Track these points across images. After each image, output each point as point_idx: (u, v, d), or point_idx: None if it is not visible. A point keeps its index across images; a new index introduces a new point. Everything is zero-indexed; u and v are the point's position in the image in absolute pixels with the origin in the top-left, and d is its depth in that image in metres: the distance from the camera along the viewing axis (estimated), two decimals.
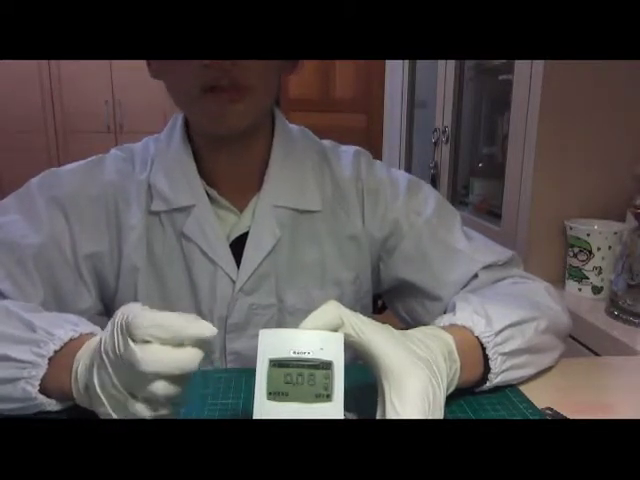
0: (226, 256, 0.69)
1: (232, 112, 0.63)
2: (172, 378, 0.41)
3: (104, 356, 0.42)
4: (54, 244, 0.65)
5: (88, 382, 0.44)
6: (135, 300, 0.68)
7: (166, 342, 0.40)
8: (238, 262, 0.69)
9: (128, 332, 0.40)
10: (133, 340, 0.40)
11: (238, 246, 0.69)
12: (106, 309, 0.72)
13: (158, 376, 0.40)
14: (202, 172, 0.70)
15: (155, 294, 0.69)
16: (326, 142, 0.80)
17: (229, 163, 0.70)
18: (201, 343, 0.41)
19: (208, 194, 0.70)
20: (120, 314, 0.42)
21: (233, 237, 0.70)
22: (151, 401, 0.42)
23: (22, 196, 0.68)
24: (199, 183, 0.69)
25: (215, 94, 0.62)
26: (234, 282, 0.69)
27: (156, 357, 0.39)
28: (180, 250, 0.69)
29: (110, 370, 0.41)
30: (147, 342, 0.40)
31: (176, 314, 0.41)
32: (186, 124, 0.72)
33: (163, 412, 0.42)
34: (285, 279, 0.71)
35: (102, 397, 0.42)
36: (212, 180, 0.71)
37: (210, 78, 0.61)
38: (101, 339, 0.43)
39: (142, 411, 0.41)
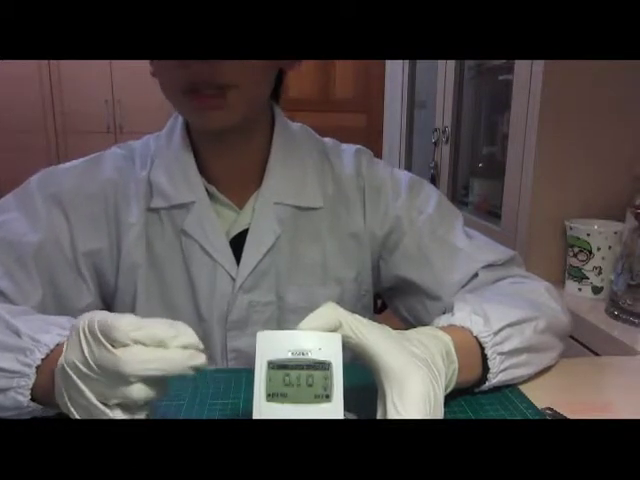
0: (226, 253, 0.69)
1: (214, 116, 0.63)
2: (151, 380, 0.40)
3: (67, 368, 0.40)
4: (53, 242, 0.66)
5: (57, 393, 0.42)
6: (134, 298, 0.69)
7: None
8: (237, 259, 0.69)
9: (105, 335, 0.39)
10: (112, 344, 0.39)
11: (238, 243, 0.69)
12: (107, 307, 0.72)
13: (138, 378, 0.39)
14: (202, 169, 0.71)
15: (154, 291, 0.69)
16: (327, 140, 0.80)
17: (227, 159, 0.71)
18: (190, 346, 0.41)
19: (208, 191, 0.70)
20: (86, 321, 0.40)
21: (233, 234, 0.70)
22: (127, 406, 0.41)
23: (21, 194, 0.68)
24: (199, 180, 0.70)
25: (196, 96, 0.62)
26: (234, 279, 0.69)
27: (139, 358, 0.38)
28: (179, 247, 0.69)
29: (77, 381, 0.40)
30: (127, 345, 0.39)
31: (156, 320, 0.41)
32: (186, 121, 0.72)
33: (141, 416, 0.41)
34: (285, 276, 0.71)
35: (70, 408, 0.41)
36: (212, 177, 0.71)
37: (187, 80, 0.61)
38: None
39: (118, 417, 0.40)
